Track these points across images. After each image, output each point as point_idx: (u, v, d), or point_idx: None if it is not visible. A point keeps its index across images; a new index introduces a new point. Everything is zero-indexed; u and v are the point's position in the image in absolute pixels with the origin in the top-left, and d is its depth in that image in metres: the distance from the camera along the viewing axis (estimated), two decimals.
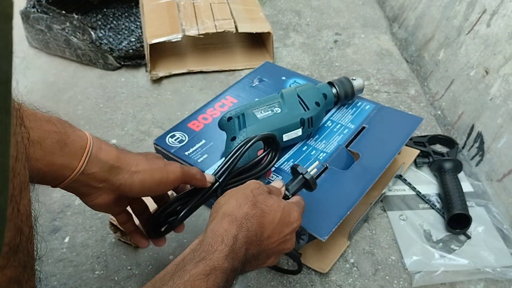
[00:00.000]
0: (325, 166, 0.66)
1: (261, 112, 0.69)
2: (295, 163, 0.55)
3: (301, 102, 0.71)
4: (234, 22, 1.05)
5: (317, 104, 0.72)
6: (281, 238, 0.49)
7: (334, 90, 0.77)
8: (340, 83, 0.78)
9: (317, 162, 0.57)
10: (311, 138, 0.74)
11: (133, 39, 1.12)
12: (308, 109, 0.71)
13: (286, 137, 0.70)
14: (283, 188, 0.55)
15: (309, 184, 0.56)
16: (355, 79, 0.79)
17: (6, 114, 0.26)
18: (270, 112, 0.69)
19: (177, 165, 0.53)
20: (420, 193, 0.76)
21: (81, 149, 0.49)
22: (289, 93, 0.72)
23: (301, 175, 0.56)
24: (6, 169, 0.26)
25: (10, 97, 0.26)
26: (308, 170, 0.56)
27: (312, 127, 0.72)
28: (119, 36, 1.14)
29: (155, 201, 0.59)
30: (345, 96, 0.78)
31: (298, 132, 0.70)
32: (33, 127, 0.44)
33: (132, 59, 1.08)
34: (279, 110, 0.70)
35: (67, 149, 0.47)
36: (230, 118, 0.68)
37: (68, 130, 0.49)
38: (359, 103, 0.80)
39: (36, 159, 0.44)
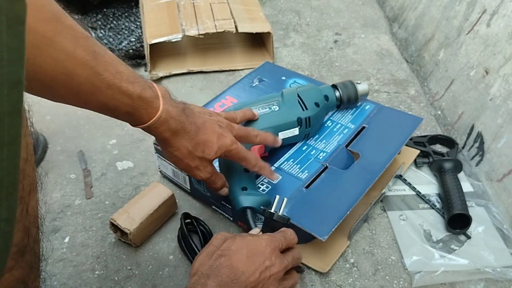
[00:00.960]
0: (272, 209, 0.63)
1: (259, 109, 0.69)
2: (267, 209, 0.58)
3: (300, 101, 0.71)
4: (234, 22, 1.05)
5: (317, 104, 0.71)
6: (260, 267, 0.49)
7: (337, 93, 0.76)
8: (344, 86, 0.77)
9: (277, 197, 0.58)
10: (311, 138, 0.74)
11: (133, 39, 1.12)
12: (307, 109, 0.70)
13: (282, 135, 0.70)
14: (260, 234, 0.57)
15: (277, 222, 0.57)
16: (359, 83, 0.78)
17: (17, 116, 0.26)
18: (268, 109, 0.70)
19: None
20: (420, 193, 0.76)
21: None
22: (290, 92, 0.72)
23: (265, 217, 0.58)
24: (16, 171, 0.27)
25: (21, 99, 0.26)
26: (272, 210, 0.57)
27: (310, 127, 0.71)
28: (119, 36, 1.14)
29: None
30: (348, 100, 0.77)
31: (295, 131, 0.70)
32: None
33: (132, 59, 1.08)
34: (277, 108, 0.70)
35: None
36: None
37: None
38: (359, 103, 0.80)
39: None
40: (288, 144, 0.72)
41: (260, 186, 0.67)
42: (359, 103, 0.80)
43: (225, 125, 0.58)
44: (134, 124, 0.51)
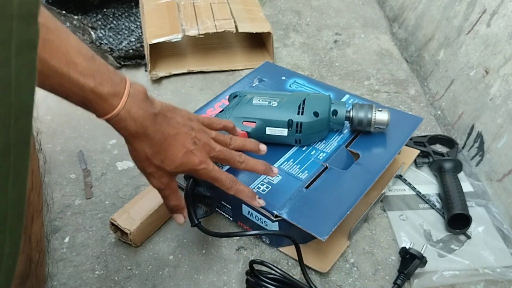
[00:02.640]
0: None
1: (259, 100, 0.71)
2: None
3: (300, 106, 0.70)
4: (234, 22, 1.05)
5: (316, 114, 0.70)
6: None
7: (350, 113, 0.72)
8: (360, 108, 0.72)
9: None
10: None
11: (133, 39, 1.12)
12: (302, 114, 0.70)
13: (269, 130, 0.70)
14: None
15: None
16: (381, 111, 0.72)
17: (25, 147, 0.24)
18: (266, 103, 0.71)
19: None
20: (420, 193, 0.76)
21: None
22: (297, 94, 0.72)
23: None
24: (22, 206, 0.25)
25: (30, 129, 0.24)
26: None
27: (300, 134, 0.70)
28: (119, 36, 1.14)
29: None
30: (359, 123, 0.72)
31: (283, 131, 0.70)
32: None
33: (132, 59, 1.08)
34: (275, 104, 0.70)
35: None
36: (235, 96, 0.75)
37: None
38: (373, 129, 0.78)
39: None
40: (277, 143, 0.72)
41: (260, 186, 0.67)
42: (373, 130, 0.73)
43: (202, 142, 0.56)
44: (95, 115, 0.51)
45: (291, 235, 0.61)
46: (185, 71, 1.05)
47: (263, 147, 0.64)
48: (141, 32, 1.14)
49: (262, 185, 0.67)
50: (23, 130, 0.24)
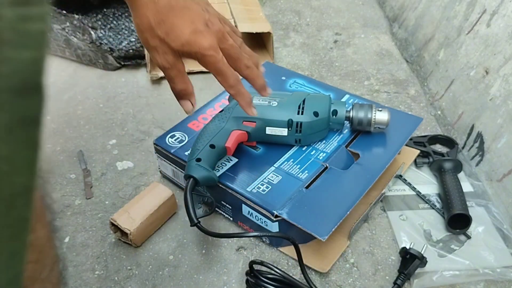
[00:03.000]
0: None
1: (259, 100, 0.70)
2: None
3: (300, 105, 0.70)
4: (234, 22, 1.05)
5: (316, 114, 0.70)
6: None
7: (350, 113, 0.72)
8: (360, 108, 0.72)
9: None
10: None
11: (133, 39, 1.11)
12: (302, 114, 0.70)
13: (269, 130, 0.70)
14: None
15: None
16: (381, 110, 0.72)
17: (23, 231, 0.21)
18: (266, 102, 0.71)
19: None
20: (420, 193, 0.76)
21: None
22: (297, 94, 0.72)
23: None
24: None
25: (29, 212, 0.21)
26: None
27: (300, 133, 0.70)
28: (119, 36, 1.14)
29: None
30: (358, 123, 0.72)
31: (283, 131, 0.70)
32: None
33: (132, 59, 1.08)
34: (275, 104, 0.70)
35: None
36: None
37: None
38: (373, 129, 0.78)
39: None
40: (277, 143, 0.72)
41: (260, 186, 0.67)
42: (373, 130, 0.73)
43: (215, 28, 0.50)
44: None
45: (289, 236, 0.60)
46: None
47: (270, 90, 0.59)
48: None
49: (262, 185, 0.67)
50: (19, 214, 0.21)
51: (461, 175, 0.78)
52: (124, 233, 0.67)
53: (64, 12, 1.07)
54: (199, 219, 0.61)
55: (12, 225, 0.20)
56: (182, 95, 0.56)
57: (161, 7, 0.48)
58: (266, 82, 0.58)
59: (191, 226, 0.61)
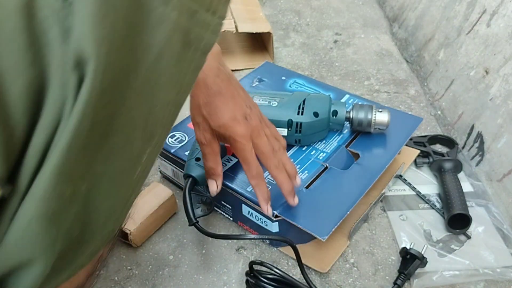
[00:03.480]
0: None
1: (259, 100, 0.71)
2: None
3: (300, 106, 0.70)
4: (234, 22, 1.05)
5: (315, 114, 0.70)
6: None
7: (350, 113, 0.72)
8: (360, 108, 0.72)
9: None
10: None
11: None
12: (302, 114, 0.70)
13: None
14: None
15: None
16: (381, 111, 0.72)
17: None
18: (266, 102, 0.71)
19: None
20: (420, 193, 0.76)
21: None
22: (298, 95, 0.72)
23: None
24: None
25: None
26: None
27: (300, 134, 0.70)
28: None
29: None
30: (358, 123, 0.72)
31: (283, 131, 0.70)
32: None
33: None
34: (275, 104, 0.70)
35: None
36: None
37: None
38: (373, 130, 0.78)
39: None
40: None
41: None
42: (373, 130, 0.73)
43: (252, 123, 0.55)
44: None
45: (287, 239, 0.60)
46: None
47: (299, 180, 0.62)
48: None
49: None
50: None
51: (461, 175, 0.78)
52: (124, 233, 0.67)
53: None
54: (198, 219, 0.61)
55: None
56: (210, 173, 0.61)
57: (211, 92, 0.54)
58: (294, 192, 0.60)
59: (189, 225, 0.61)
